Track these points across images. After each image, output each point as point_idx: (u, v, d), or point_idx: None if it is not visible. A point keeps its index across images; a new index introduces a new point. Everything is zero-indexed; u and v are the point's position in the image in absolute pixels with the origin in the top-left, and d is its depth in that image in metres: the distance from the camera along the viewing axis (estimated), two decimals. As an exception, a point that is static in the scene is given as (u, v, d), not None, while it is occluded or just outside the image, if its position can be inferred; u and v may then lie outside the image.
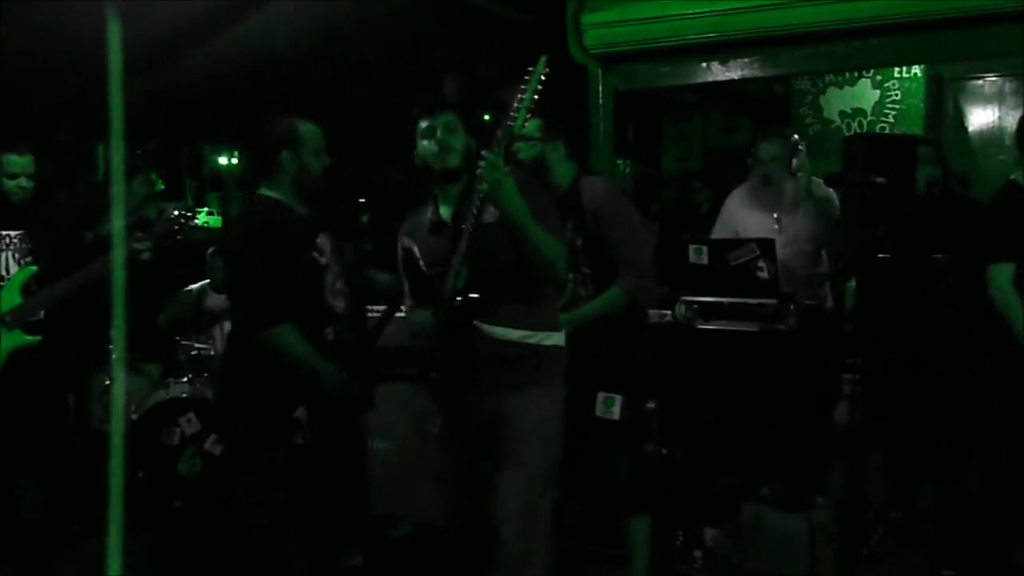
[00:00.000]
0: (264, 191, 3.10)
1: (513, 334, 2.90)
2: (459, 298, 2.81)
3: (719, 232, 4.81)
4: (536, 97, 2.70)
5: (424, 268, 3.06)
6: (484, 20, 5.26)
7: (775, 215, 4.52)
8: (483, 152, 2.73)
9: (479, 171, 2.70)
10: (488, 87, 6.56)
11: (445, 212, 3.00)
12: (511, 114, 2.70)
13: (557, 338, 3.01)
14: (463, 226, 2.82)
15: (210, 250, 5.40)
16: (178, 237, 3.98)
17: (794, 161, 4.53)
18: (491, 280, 2.86)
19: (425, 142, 2.95)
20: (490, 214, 2.80)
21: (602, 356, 3.37)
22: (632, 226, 3.52)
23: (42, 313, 4.00)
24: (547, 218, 2.88)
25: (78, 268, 3.89)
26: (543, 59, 2.73)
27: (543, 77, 2.71)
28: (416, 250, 3.07)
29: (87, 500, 4.20)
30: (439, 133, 2.92)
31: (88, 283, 3.86)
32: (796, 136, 4.73)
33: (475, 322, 2.85)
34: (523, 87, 2.70)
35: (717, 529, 3.98)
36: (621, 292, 3.41)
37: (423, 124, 2.96)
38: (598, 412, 3.40)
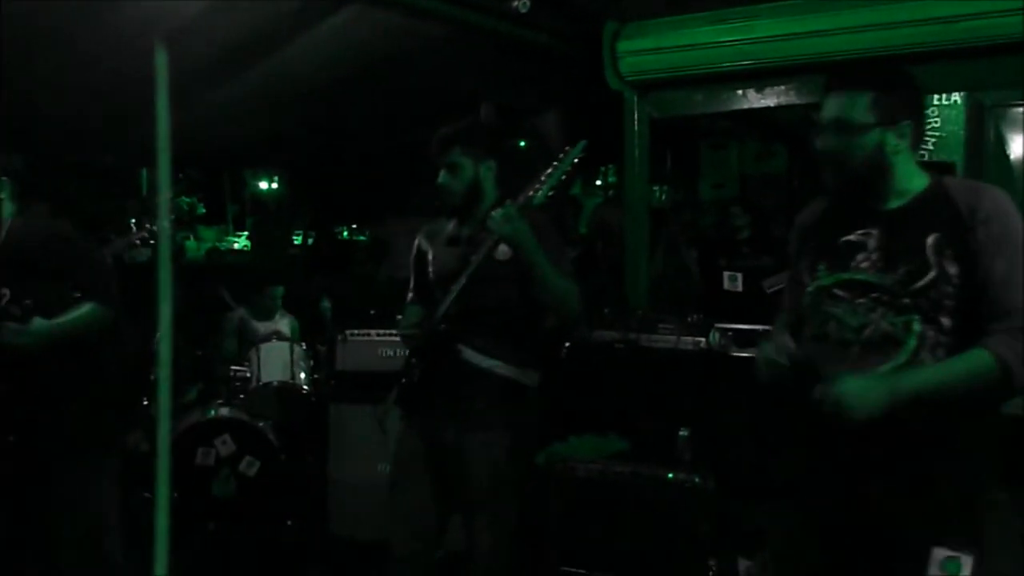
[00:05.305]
0: None
1: (488, 363, 2.97)
2: (443, 324, 2.94)
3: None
4: (564, 177, 2.83)
5: (432, 274, 3.18)
6: (521, 49, 5.30)
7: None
8: (504, 207, 2.85)
9: (493, 219, 2.83)
10: (525, 114, 6.60)
11: (466, 230, 3.15)
12: (536, 185, 2.81)
13: (532, 377, 3.07)
14: (472, 257, 2.94)
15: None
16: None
17: None
18: (483, 311, 2.97)
19: (442, 172, 3.11)
20: (502, 252, 2.91)
21: (935, 481, 2.19)
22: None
23: None
24: (561, 261, 3.00)
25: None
26: (582, 144, 2.85)
27: (576, 160, 2.83)
28: (431, 255, 3.21)
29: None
30: (442, 176, 3.08)
31: None
32: None
33: (457, 345, 2.95)
34: (556, 163, 2.82)
35: (751, 559, 3.94)
36: (992, 358, 2.12)
37: (436, 160, 3.12)
38: None
